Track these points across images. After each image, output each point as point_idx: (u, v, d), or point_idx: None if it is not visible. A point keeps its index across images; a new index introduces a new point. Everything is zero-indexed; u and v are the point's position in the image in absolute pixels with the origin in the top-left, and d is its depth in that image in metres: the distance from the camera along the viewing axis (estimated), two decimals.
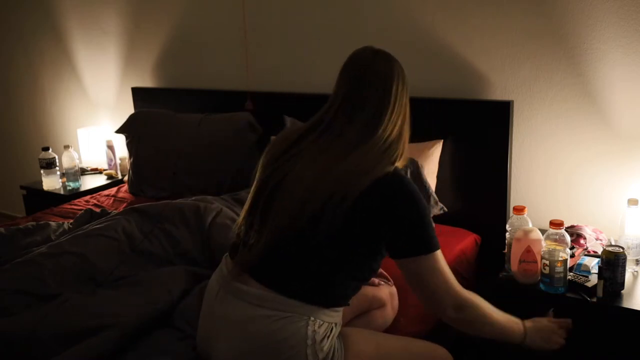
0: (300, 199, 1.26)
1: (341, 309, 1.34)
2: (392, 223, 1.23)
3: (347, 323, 1.53)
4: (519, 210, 1.85)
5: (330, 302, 1.29)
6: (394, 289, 1.68)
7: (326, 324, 1.28)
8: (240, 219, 1.40)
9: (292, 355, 1.24)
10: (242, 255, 1.33)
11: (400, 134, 1.33)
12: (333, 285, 1.28)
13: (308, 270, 1.26)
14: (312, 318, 1.26)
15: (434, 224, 1.34)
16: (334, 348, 1.29)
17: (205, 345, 1.36)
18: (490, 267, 2.00)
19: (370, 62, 1.35)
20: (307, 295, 1.26)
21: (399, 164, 1.33)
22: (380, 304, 1.62)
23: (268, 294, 1.26)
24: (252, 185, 1.39)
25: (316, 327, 1.26)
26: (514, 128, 2.19)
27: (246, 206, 1.38)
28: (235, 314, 1.28)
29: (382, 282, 1.65)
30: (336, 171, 1.25)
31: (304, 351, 1.24)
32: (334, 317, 1.31)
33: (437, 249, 1.27)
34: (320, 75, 2.61)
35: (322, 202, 1.23)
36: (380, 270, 1.70)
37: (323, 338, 1.27)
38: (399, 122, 1.33)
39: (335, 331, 1.32)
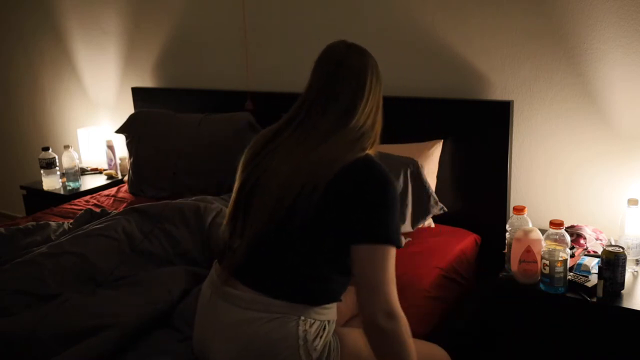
0: (276, 194, 1.27)
1: (332, 305, 1.34)
2: (362, 207, 1.22)
3: (346, 322, 1.53)
4: (519, 210, 1.85)
5: (318, 300, 1.29)
6: None
7: (318, 322, 1.28)
8: (224, 223, 1.40)
9: (286, 356, 1.24)
10: (228, 260, 1.34)
11: (373, 125, 1.35)
12: (316, 281, 1.28)
13: (288, 267, 1.27)
14: (302, 317, 1.26)
15: (399, 220, 1.27)
16: (330, 347, 1.29)
17: (201, 347, 1.37)
18: (490, 267, 2.00)
19: (344, 56, 1.36)
20: (293, 294, 1.26)
21: (370, 151, 1.33)
22: None
23: (256, 296, 1.27)
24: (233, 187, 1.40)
25: (307, 327, 1.26)
26: (514, 128, 2.19)
27: (229, 209, 1.38)
28: (227, 318, 1.28)
29: None
30: (308, 162, 1.26)
31: (297, 351, 1.24)
32: (326, 314, 1.31)
33: (397, 245, 1.23)
34: None
35: (296, 194, 1.24)
36: None
37: (315, 337, 1.27)
38: (372, 114, 1.35)
39: (329, 329, 1.31)
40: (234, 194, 1.38)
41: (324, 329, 1.30)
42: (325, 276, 1.29)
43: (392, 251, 1.23)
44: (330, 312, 1.33)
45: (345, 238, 1.23)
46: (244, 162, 1.39)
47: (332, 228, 1.23)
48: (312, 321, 1.27)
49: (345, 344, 1.33)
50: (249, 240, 1.29)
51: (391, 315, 1.20)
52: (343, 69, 1.34)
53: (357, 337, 1.36)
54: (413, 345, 1.24)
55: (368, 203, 1.22)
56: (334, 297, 1.34)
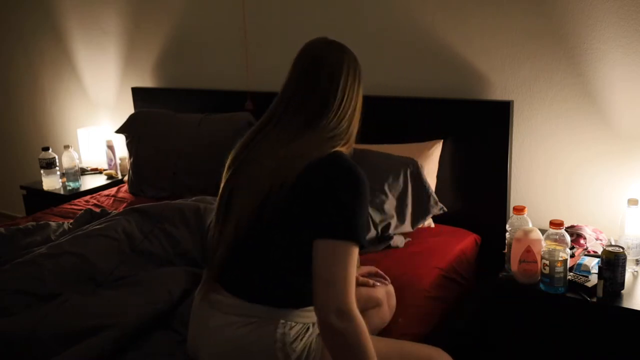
0: (251, 195, 1.27)
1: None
2: (329, 202, 1.19)
3: None
4: (519, 210, 1.85)
5: (300, 301, 1.28)
6: (391, 289, 1.67)
7: (299, 324, 1.28)
8: (211, 227, 1.40)
9: (263, 358, 1.25)
10: (212, 265, 1.35)
11: (348, 126, 1.32)
12: (294, 281, 1.27)
13: (265, 269, 1.27)
14: (281, 321, 1.26)
15: (368, 221, 1.22)
16: (310, 347, 1.29)
17: (194, 349, 1.37)
18: (490, 267, 2.00)
19: (321, 54, 1.34)
20: (272, 298, 1.27)
21: (343, 149, 1.31)
22: (375, 304, 1.60)
23: (236, 301, 1.28)
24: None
25: (286, 330, 1.26)
26: (514, 128, 2.19)
27: (214, 213, 1.38)
28: (211, 322, 1.30)
29: (378, 284, 1.64)
30: (279, 159, 1.26)
31: (274, 353, 1.24)
32: (309, 317, 1.29)
33: (360, 244, 1.19)
34: None
35: (267, 193, 1.24)
36: (377, 270, 1.69)
37: (295, 339, 1.26)
38: (348, 115, 1.32)
39: (313, 330, 1.31)
40: (218, 198, 1.38)
41: (307, 330, 1.29)
42: (304, 275, 1.26)
43: (354, 249, 1.19)
44: (314, 315, 1.30)
45: (311, 232, 1.21)
46: (228, 164, 1.39)
47: (302, 224, 1.22)
48: (293, 324, 1.27)
49: None
50: (228, 244, 1.30)
51: (345, 314, 1.15)
52: (318, 66, 1.32)
53: None
54: (371, 349, 1.18)
55: (335, 198, 1.20)
56: None
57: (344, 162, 1.25)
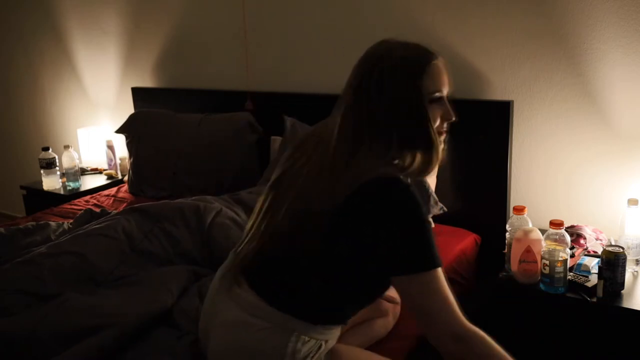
0: (297, 203, 1.22)
1: (336, 326, 1.29)
2: (385, 230, 1.12)
3: (347, 329, 1.50)
4: (519, 210, 1.85)
5: (322, 319, 1.24)
6: (398, 297, 1.66)
7: (313, 340, 1.23)
8: (251, 218, 1.35)
9: None
10: (240, 256, 1.30)
11: (401, 143, 1.18)
12: (325, 303, 1.23)
13: (299, 283, 1.21)
14: (296, 332, 1.20)
15: (433, 239, 1.16)
16: None
17: (204, 335, 1.35)
18: (490, 267, 2.00)
19: (375, 58, 1.22)
20: (295, 309, 1.21)
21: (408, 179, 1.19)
22: (382, 314, 1.59)
23: (257, 301, 1.22)
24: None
25: (299, 345, 1.20)
26: (514, 128, 2.19)
27: (258, 202, 1.33)
28: (226, 314, 1.26)
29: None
30: (329, 175, 1.18)
31: None
32: (326, 334, 1.26)
33: (438, 266, 1.13)
34: (320, 75, 2.61)
35: (312, 209, 1.18)
36: None
37: (306, 356, 1.21)
38: (403, 129, 1.18)
39: (324, 348, 1.26)
40: (264, 194, 1.33)
41: (319, 347, 1.25)
42: (339, 301, 1.23)
43: (437, 272, 1.12)
44: (331, 333, 1.28)
45: (380, 267, 1.15)
46: (284, 158, 1.33)
47: (349, 251, 1.15)
48: (307, 339, 1.22)
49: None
50: (263, 243, 1.25)
51: (459, 337, 1.12)
52: (369, 73, 1.20)
53: (350, 357, 1.31)
54: (504, 354, 1.13)
55: (402, 231, 1.12)
56: (341, 321, 1.30)
57: (400, 186, 1.14)
